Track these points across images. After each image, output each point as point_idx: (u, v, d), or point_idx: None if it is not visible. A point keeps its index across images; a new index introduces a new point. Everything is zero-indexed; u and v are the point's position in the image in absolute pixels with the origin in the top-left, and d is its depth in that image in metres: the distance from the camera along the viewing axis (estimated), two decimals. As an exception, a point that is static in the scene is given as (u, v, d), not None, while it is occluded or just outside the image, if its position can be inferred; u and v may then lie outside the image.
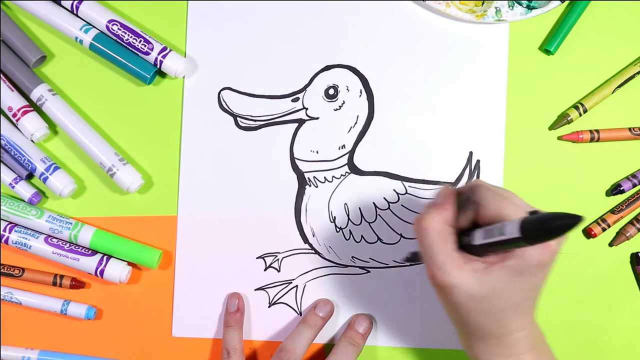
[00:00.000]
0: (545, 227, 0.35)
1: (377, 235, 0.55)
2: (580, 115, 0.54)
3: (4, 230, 0.55)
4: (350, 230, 0.55)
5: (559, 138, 0.55)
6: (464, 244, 0.42)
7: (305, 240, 0.55)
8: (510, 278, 0.40)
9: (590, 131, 0.54)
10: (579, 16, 0.54)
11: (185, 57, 0.56)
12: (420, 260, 0.43)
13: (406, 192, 0.55)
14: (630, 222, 0.54)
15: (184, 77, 0.56)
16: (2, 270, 0.56)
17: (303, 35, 0.56)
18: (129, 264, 0.56)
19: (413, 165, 0.55)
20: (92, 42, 0.54)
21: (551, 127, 0.55)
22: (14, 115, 0.54)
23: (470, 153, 0.55)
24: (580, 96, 0.55)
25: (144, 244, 0.56)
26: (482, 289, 0.41)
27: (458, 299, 0.42)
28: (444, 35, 0.55)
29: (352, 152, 0.55)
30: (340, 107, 0.55)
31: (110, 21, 0.54)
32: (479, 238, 0.41)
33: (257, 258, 0.56)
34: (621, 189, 0.54)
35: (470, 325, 0.43)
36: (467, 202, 0.43)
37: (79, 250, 0.55)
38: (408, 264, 0.55)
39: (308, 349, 0.54)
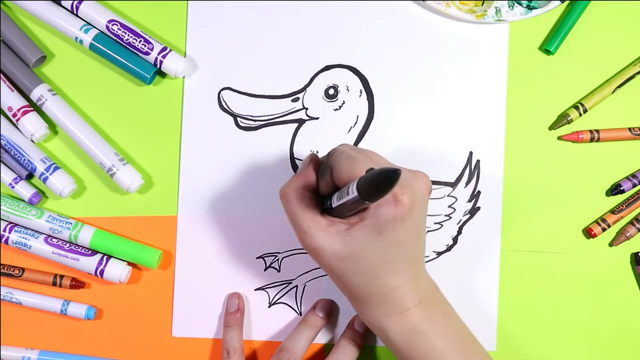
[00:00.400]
0: (372, 183, 0.36)
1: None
2: (580, 115, 0.54)
3: (4, 230, 0.55)
4: (350, 230, 0.55)
5: (559, 138, 0.55)
6: (326, 208, 0.44)
7: (305, 240, 0.55)
8: (370, 236, 0.42)
9: (590, 131, 0.54)
10: (579, 16, 0.54)
11: (185, 57, 0.56)
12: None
13: (406, 192, 0.55)
14: (630, 222, 0.54)
15: (184, 77, 0.56)
16: (2, 270, 0.56)
17: (303, 35, 0.56)
18: (129, 264, 0.56)
19: (413, 165, 0.55)
20: (92, 42, 0.54)
21: (551, 127, 0.55)
22: (14, 115, 0.54)
23: (470, 153, 0.55)
24: (580, 96, 0.55)
25: (144, 244, 0.56)
26: (346, 248, 0.42)
27: (328, 261, 0.43)
28: (444, 35, 0.55)
29: (352, 152, 0.55)
30: (340, 107, 0.55)
31: (110, 21, 0.54)
32: (335, 201, 0.42)
33: (257, 258, 0.56)
34: (621, 189, 0.54)
35: (350, 287, 0.45)
36: (325, 168, 0.44)
37: (79, 250, 0.55)
38: None
39: (308, 349, 0.54)
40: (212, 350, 0.56)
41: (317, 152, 0.55)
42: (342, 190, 0.41)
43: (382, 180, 0.36)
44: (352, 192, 0.39)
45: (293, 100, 0.56)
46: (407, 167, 0.55)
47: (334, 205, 0.43)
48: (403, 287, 0.44)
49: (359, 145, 0.55)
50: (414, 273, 0.44)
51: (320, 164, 0.46)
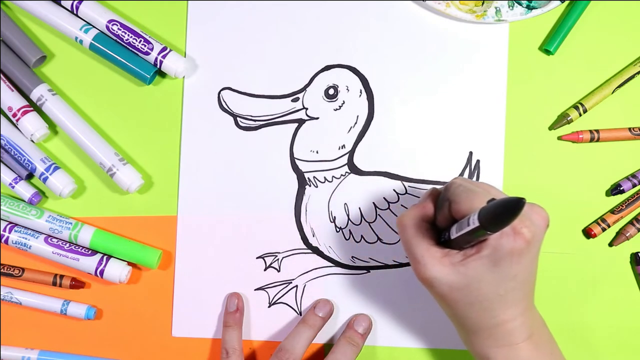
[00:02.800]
0: (495, 213, 0.36)
1: (377, 235, 0.55)
2: (580, 115, 0.54)
3: (4, 230, 0.55)
4: (350, 230, 0.55)
5: (559, 138, 0.55)
6: (444, 240, 0.44)
7: (305, 240, 0.55)
8: (487, 268, 0.42)
9: (590, 131, 0.54)
10: (579, 16, 0.54)
11: (185, 57, 0.56)
12: None
13: (406, 192, 0.55)
14: (630, 222, 0.54)
15: (184, 77, 0.56)
16: (2, 270, 0.56)
17: (303, 35, 0.56)
18: (129, 264, 0.56)
19: (413, 165, 0.55)
20: (92, 42, 0.54)
21: (551, 127, 0.55)
22: (14, 115, 0.54)
23: (470, 153, 0.55)
24: (580, 96, 0.55)
25: (144, 244, 0.56)
26: (460, 280, 0.42)
27: (441, 291, 0.43)
28: (444, 35, 0.55)
29: (352, 152, 0.55)
30: (340, 107, 0.55)
31: (110, 21, 0.54)
32: (453, 232, 0.42)
33: (257, 258, 0.56)
34: (621, 189, 0.54)
35: (461, 317, 0.45)
36: (443, 200, 0.45)
37: (78, 250, 0.55)
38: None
39: (307, 348, 0.54)
40: (212, 350, 0.56)
41: (317, 152, 0.55)
42: (461, 221, 0.41)
43: (506, 210, 0.36)
44: (473, 223, 0.39)
45: (293, 100, 0.56)
46: (407, 167, 0.55)
47: (452, 237, 0.42)
48: (514, 321, 0.44)
49: (359, 145, 0.55)
50: (525, 307, 0.44)
51: (439, 196, 0.46)
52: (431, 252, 0.43)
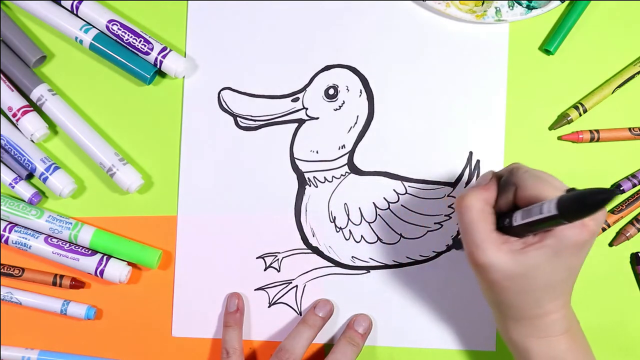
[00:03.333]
0: (581, 202, 0.36)
1: (377, 235, 0.55)
2: (580, 115, 0.54)
3: (4, 230, 0.55)
4: (350, 230, 0.55)
5: (559, 138, 0.55)
6: (503, 226, 0.43)
7: (305, 240, 0.55)
8: (547, 258, 0.41)
9: (590, 131, 0.54)
10: (579, 16, 0.54)
11: (185, 57, 0.56)
12: (462, 246, 0.44)
13: (406, 192, 0.55)
14: (630, 222, 0.54)
15: (184, 77, 0.56)
16: (2, 270, 0.56)
17: (303, 35, 0.56)
18: (129, 264, 0.56)
19: (413, 165, 0.55)
20: (92, 42, 0.54)
21: (551, 127, 0.55)
22: (14, 115, 0.54)
23: (470, 153, 0.55)
24: (580, 96, 0.55)
25: (144, 244, 0.56)
26: (518, 268, 0.41)
27: (494, 278, 0.42)
28: (444, 35, 0.55)
29: (352, 152, 0.55)
30: (340, 107, 0.55)
31: (110, 21, 0.54)
32: (517, 219, 0.41)
33: (257, 258, 0.56)
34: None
35: (506, 304, 0.44)
36: (506, 184, 0.44)
37: (78, 250, 0.55)
38: (447, 251, 0.55)
39: (308, 349, 0.54)
40: (212, 350, 0.56)
41: (317, 152, 0.55)
42: (529, 208, 0.40)
43: (595, 201, 0.35)
44: (549, 211, 0.38)
45: (293, 100, 0.56)
46: (407, 167, 0.55)
47: (515, 224, 0.41)
48: (557, 313, 0.44)
49: (359, 145, 0.55)
50: (567, 300, 0.44)
51: (500, 179, 0.45)
52: (492, 237, 0.42)
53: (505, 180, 0.44)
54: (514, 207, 0.43)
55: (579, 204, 0.36)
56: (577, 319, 0.47)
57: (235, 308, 0.55)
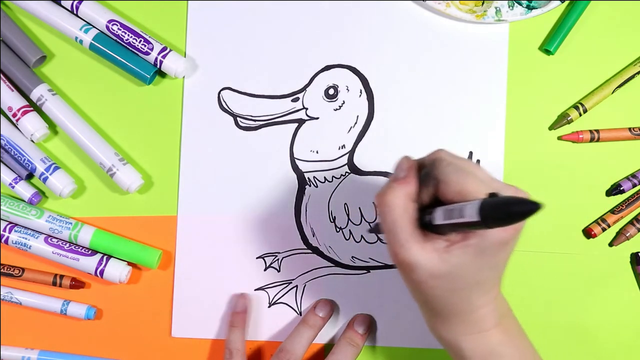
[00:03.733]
0: (504, 212, 0.34)
1: (377, 235, 0.55)
2: (580, 115, 0.54)
3: (4, 230, 0.55)
4: (350, 230, 0.55)
5: (559, 138, 0.55)
6: (425, 222, 0.41)
7: (305, 240, 0.55)
8: (471, 257, 0.40)
9: (590, 131, 0.54)
10: (579, 16, 0.54)
11: (185, 57, 0.56)
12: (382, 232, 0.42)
13: (406, 192, 0.55)
14: (630, 222, 0.54)
15: (184, 77, 0.56)
16: (2, 270, 0.56)
17: (303, 35, 0.56)
18: (129, 264, 0.56)
19: (413, 165, 0.55)
20: (92, 42, 0.54)
21: (551, 127, 0.55)
22: (14, 115, 0.54)
23: (470, 153, 0.55)
24: (580, 96, 0.55)
25: (144, 244, 0.56)
26: (443, 267, 0.40)
27: (420, 277, 0.41)
28: (444, 35, 0.55)
29: (352, 152, 0.55)
30: (340, 107, 0.55)
31: (110, 21, 0.54)
32: (439, 218, 0.39)
33: (257, 258, 0.56)
34: (621, 189, 0.54)
35: (434, 303, 0.43)
36: (428, 177, 0.41)
37: (78, 250, 0.55)
38: (372, 235, 0.55)
39: (308, 349, 0.54)
40: (212, 350, 0.56)
41: (317, 152, 0.55)
42: (450, 208, 0.38)
43: (518, 212, 0.33)
44: (471, 217, 0.35)
45: (293, 100, 0.56)
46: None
47: (437, 223, 0.39)
48: (487, 307, 0.43)
49: (359, 145, 0.55)
50: (497, 292, 0.44)
51: (420, 170, 0.42)
52: (415, 236, 0.40)
53: (427, 173, 0.41)
54: (436, 200, 0.41)
55: (502, 212, 0.34)
56: (508, 306, 0.45)
57: (243, 308, 0.54)
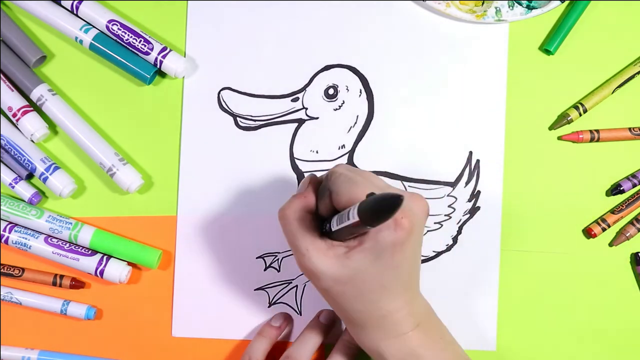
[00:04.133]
0: (374, 209, 0.36)
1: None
2: (580, 115, 0.54)
3: (4, 230, 0.55)
4: (350, 230, 0.55)
5: (559, 138, 0.55)
6: (327, 231, 0.43)
7: (305, 240, 0.55)
8: (370, 261, 0.41)
9: (590, 131, 0.54)
10: (579, 16, 0.54)
11: (185, 57, 0.56)
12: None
13: (406, 192, 0.55)
14: (630, 222, 0.54)
15: (184, 77, 0.56)
16: (2, 270, 0.56)
17: (303, 35, 0.56)
18: (129, 264, 0.56)
19: (413, 165, 0.55)
20: (92, 42, 0.54)
21: (551, 127, 0.55)
22: (14, 115, 0.54)
23: (470, 153, 0.55)
24: (580, 96, 0.55)
25: (144, 244, 0.56)
26: (345, 272, 0.42)
27: (326, 284, 0.43)
28: (444, 35, 0.55)
29: (352, 152, 0.55)
30: (340, 107, 0.55)
31: (110, 21, 0.54)
32: (334, 224, 0.41)
33: (257, 258, 0.56)
34: (621, 189, 0.54)
35: (347, 311, 0.44)
36: (324, 190, 0.44)
37: (78, 250, 0.55)
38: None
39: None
40: (212, 350, 0.56)
41: (317, 152, 0.55)
42: (341, 214, 0.40)
43: (385, 206, 0.35)
44: (353, 217, 0.38)
45: (293, 100, 0.56)
46: (407, 167, 0.55)
47: (333, 229, 0.42)
48: (400, 311, 0.44)
49: (359, 145, 0.55)
50: (410, 297, 0.44)
51: (319, 185, 0.45)
52: (316, 244, 0.43)
53: (323, 186, 0.44)
54: (335, 211, 0.43)
55: (372, 210, 0.36)
56: (430, 310, 0.46)
57: (279, 325, 0.54)
